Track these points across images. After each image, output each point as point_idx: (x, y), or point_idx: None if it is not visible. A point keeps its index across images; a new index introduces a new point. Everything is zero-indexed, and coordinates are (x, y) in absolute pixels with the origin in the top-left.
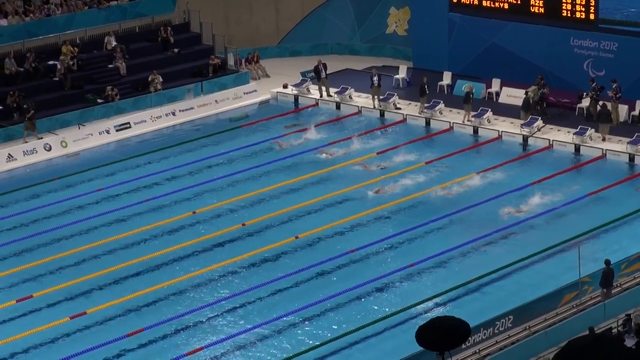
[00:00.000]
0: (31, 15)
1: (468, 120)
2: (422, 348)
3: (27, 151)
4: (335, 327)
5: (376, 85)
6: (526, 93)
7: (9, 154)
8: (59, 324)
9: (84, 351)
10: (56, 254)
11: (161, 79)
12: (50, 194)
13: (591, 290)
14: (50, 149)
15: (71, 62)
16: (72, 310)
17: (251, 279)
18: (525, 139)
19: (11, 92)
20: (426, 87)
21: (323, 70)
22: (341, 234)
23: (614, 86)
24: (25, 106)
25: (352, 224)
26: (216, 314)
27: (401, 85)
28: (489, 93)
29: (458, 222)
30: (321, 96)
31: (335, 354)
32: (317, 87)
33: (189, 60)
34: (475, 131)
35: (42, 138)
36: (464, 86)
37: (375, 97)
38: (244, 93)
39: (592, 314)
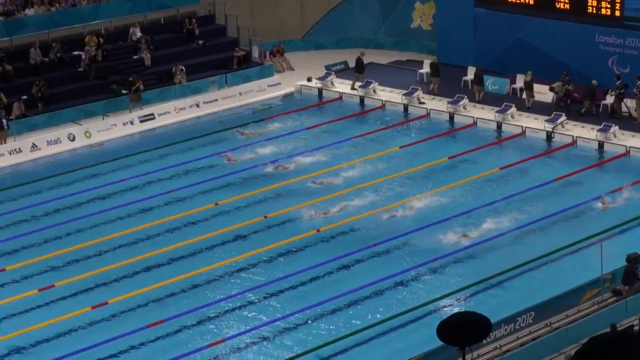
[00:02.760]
0: (57, 5)
1: (479, 100)
2: (442, 343)
3: (51, 141)
4: (356, 321)
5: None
6: (551, 89)
7: (33, 143)
8: (81, 313)
9: (105, 341)
10: (78, 243)
11: (184, 70)
12: (74, 184)
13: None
14: (74, 139)
15: (96, 53)
16: (94, 300)
17: (273, 271)
18: (549, 135)
19: (36, 82)
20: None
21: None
22: (363, 227)
23: (638, 83)
24: (130, 79)
25: (375, 217)
26: (237, 305)
27: (425, 80)
28: (513, 89)
29: (476, 216)
30: (352, 88)
31: (355, 348)
32: (347, 80)
33: (213, 52)
34: (499, 127)
35: (141, 109)
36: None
37: (357, 81)
38: (268, 86)
39: (613, 311)
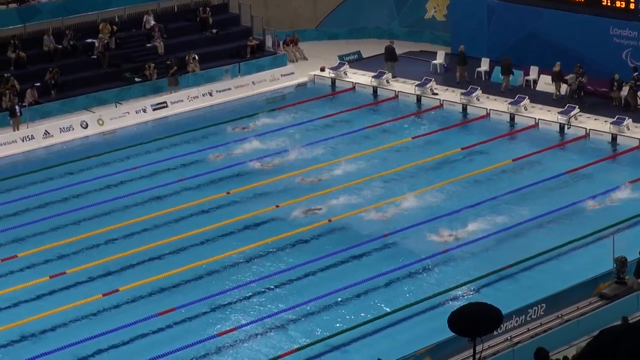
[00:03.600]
0: None
1: (502, 90)
2: (453, 334)
3: (63, 128)
4: (365, 312)
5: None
6: (565, 81)
7: (46, 130)
8: (91, 300)
9: (115, 329)
10: (90, 231)
11: (197, 58)
12: (86, 171)
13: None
14: (87, 127)
15: (109, 41)
16: (104, 288)
17: (284, 261)
18: (562, 127)
19: (49, 69)
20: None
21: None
22: (376, 218)
23: None
24: (168, 62)
25: (386, 207)
26: (248, 294)
27: (439, 71)
28: (527, 80)
29: (488, 208)
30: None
31: (366, 337)
32: (361, 70)
33: (227, 41)
34: (512, 118)
35: (173, 93)
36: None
37: (388, 70)
38: (282, 75)
39: (625, 303)
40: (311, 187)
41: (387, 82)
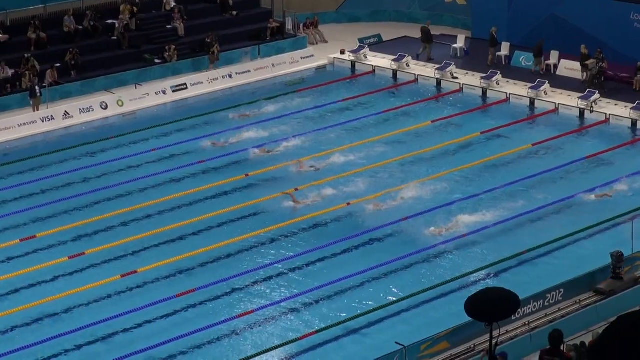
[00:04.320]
0: None
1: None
2: (470, 318)
3: (83, 109)
4: (384, 296)
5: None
6: (585, 66)
7: (66, 111)
8: (110, 281)
9: (134, 310)
10: (109, 212)
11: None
12: (105, 152)
13: None
14: (106, 108)
15: (129, 22)
16: (123, 269)
17: (302, 243)
18: (582, 112)
19: (70, 50)
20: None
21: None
22: (395, 201)
23: None
24: (208, 40)
25: (409, 190)
26: (267, 276)
27: (459, 55)
28: (547, 65)
29: (508, 192)
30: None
31: (383, 321)
32: (381, 53)
33: (247, 23)
34: (532, 103)
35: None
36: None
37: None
38: (301, 58)
39: None
40: (329, 170)
41: (407, 65)
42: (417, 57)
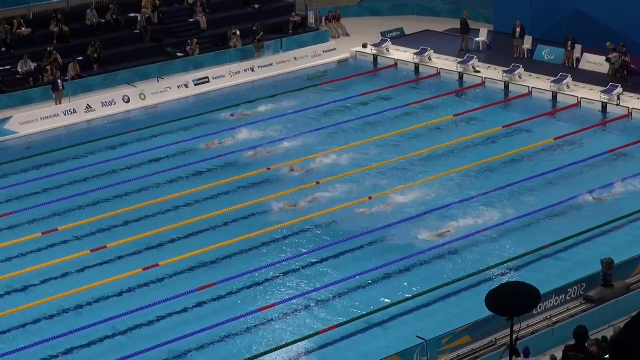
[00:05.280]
0: None
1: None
2: (491, 312)
3: (105, 102)
4: (403, 291)
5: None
6: (608, 60)
7: (88, 104)
8: (132, 275)
9: (155, 303)
10: (130, 205)
11: (239, 34)
12: (127, 145)
13: None
14: (128, 101)
15: (152, 15)
16: (145, 262)
17: (323, 238)
18: (604, 106)
19: (92, 43)
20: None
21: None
22: (416, 196)
23: None
24: (254, 28)
25: (430, 184)
26: (289, 270)
27: (481, 48)
28: (569, 59)
29: (529, 186)
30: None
31: (405, 315)
32: (403, 47)
33: (269, 17)
34: (555, 97)
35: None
36: None
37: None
38: (323, 51)
39: None
40: (351, 164)
41: (429, 59)
42: (462, 51)
